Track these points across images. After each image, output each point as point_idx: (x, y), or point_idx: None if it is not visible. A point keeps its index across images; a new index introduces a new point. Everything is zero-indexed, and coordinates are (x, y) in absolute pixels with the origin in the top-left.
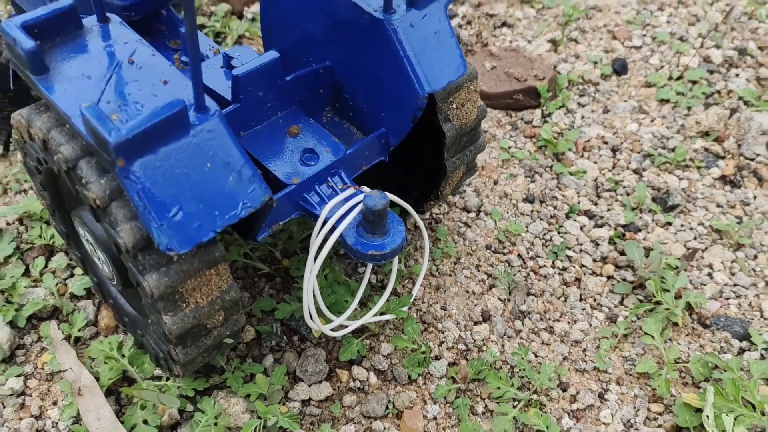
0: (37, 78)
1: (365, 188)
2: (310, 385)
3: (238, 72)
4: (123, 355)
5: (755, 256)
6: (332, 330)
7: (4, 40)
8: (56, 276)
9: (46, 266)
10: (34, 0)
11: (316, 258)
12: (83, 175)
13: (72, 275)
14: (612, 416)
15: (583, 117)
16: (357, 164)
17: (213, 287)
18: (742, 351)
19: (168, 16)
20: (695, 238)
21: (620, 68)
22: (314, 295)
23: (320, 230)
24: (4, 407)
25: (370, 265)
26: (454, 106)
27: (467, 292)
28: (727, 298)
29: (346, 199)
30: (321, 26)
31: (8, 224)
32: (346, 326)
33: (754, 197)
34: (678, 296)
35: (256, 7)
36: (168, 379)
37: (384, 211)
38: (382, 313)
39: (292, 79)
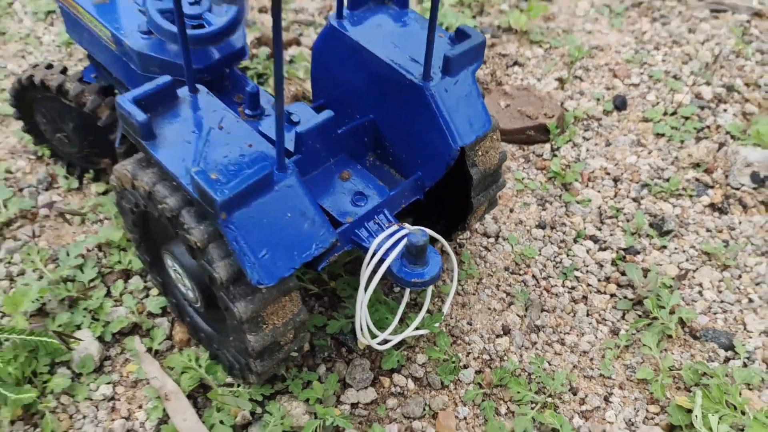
0: (147, 143)
1: (407, 225)
2: (357, 391)
3: (301, 130)
4: (200, 366)
5: (740, 276)
6: (378, 344)
7: (119, 111)
8: (134, 296)
9: (125, 288)
10: (106, 52)
11: (367, 285)
12: (185, 222)
13: (147, 296)
14: (616, 416)
15: (587, 150)
16: (398, 203)
17: (287, 311)
18: (727, 360)
19: (231, 74)
20: (687, 260)
21: (620, 104)
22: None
23: (369, 261)
24: (98, 410)
25: (408, 289)
26: (480, 153)
27: (489, 308)
28: (715, 313)
29: (391, 234)
30: (365, 84)
31: (88, 251)
32: (389, 340)
33: (740, 222)
34: (672, 312)
35: (293, 50)
36: (239, 386)
37: (425, 246)
38: (417, 329)
39: (342, 132)
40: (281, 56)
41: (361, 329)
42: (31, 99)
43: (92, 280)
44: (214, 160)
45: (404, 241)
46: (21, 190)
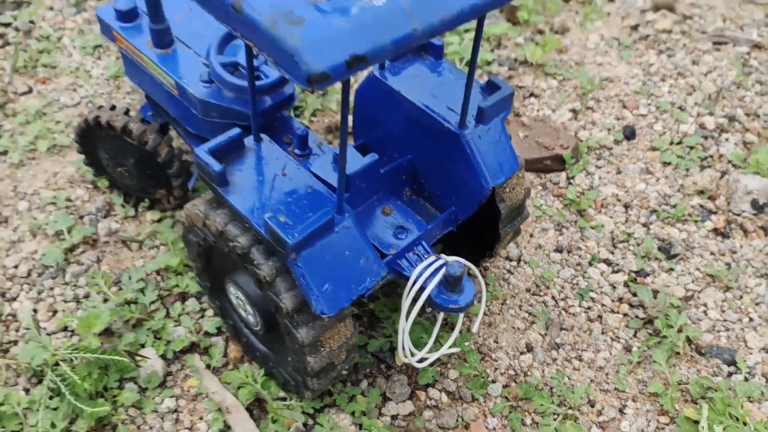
0: (221, 189)
1: (443, 256)
2: (397, 404)
3: (350, 172)
4: (255, 381)
5: (741, 297)
6: (416, 362)
7: (196, 161)
8: (191, 317)
9: (182, 309)
10: (167, 96)
11: (409, 311)
12: (255, 258)
13: (203, 316)
14: (630, 426)
15: (600, 178)
16: (434, 235)
17: (341, 335)
18: (730, 374)
19: (281, 116)
20: (693, 282)
21: (630, 134)
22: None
23: (410, 289)
24: (164, 421)
25: (442, 313)
26: (507, 190)
27: (513, 328)
28: (719, 332)
29: (430, 264)
30: (403, 128)
31: (147, 275)
32: (426, 358)
33: (741, 246)
34: (680, 330)
35: None
36: (292, 399)
37: (461, 276)
38: (450, 347)
39: (384, 171)
40: (345, 137)
41: (403, 349)
42: (96, 137)
43: (153, 302)
44: (281, 204)
45: (442, 271)
46: (81, 217)
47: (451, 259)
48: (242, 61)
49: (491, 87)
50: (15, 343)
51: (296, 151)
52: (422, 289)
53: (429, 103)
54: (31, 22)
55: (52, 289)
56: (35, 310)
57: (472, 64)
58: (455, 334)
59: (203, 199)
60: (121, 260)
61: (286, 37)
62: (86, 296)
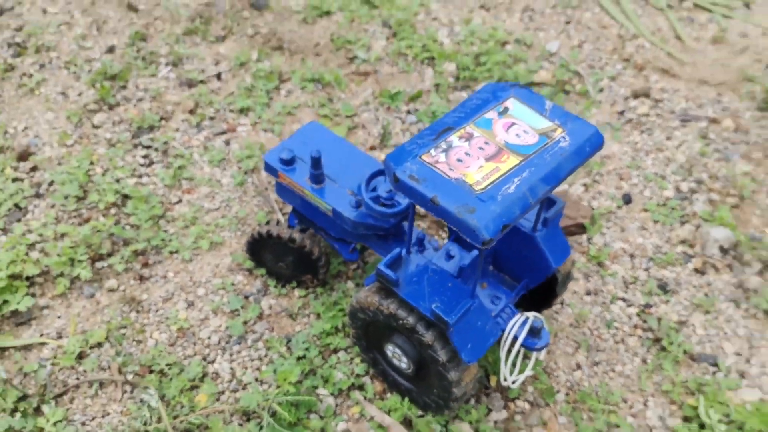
0: (396, 288)
1: (527, 313)
2: (497, 412)
3: (463, 264)
4: (403, 406)
5: (717, 317)
6: (512, 383)
7: (378, 272)
8: (344, 365)
9: (337, 360)
10: (320, 214)
11: (507, 354)
12: (419, 330)
13: (351, 363)
14: (652, 415)
15: (610, 236)
16: (515, 298)
17: (472, 373)
18: (714, 373)
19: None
20: (683, 309)
21: (627, 200)
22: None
23: (507, 338)
24: None
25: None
26: (562, 266)
27: (565, 353)
28: (704, 343)
29: (518, 320)
30: None
31: (312, 336)
32: (516, 380)
33: (714, 281)
34: (678, 345)
35: None
36: (428, 416)
37: (542, 326)
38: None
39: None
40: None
41: (505, 378)
42: (263, 244)
43: (316, 356)
44: (435, 295)
45: (529, 323)
46: (246, 297)
47: (531, 314)
48: (382, 195)
49: (549, 202)
50: (222, 393)
51: (416, 248)
52: (515, 337)
53: None
54: (165, 143)
55: (239, 352)
56: (232, 369)
57: None
58: (532, 362)
59: (371, 291)
60: (283, 327)
61: (468, 220)
62: (266, 356)
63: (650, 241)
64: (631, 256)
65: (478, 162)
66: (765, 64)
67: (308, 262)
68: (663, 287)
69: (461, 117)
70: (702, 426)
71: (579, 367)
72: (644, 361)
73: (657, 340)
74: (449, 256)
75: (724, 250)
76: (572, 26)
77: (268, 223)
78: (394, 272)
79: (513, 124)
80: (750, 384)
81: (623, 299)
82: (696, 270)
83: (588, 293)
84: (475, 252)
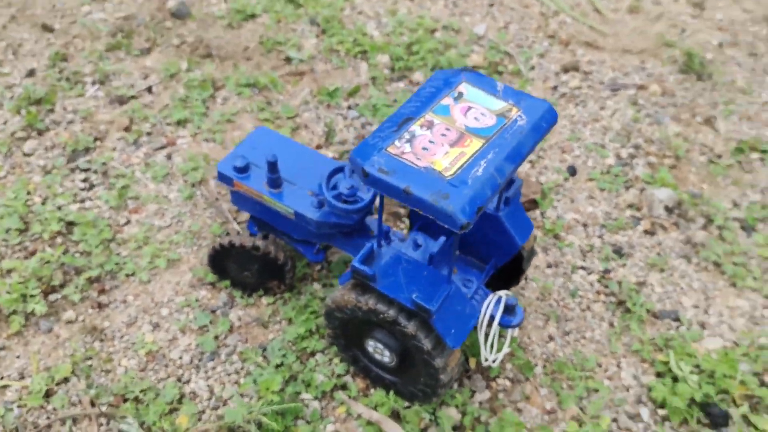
0: (373, 283)
1: (500, 292)
2: (480, 393)
3: (433, 252)
4: (389, 399)
5: (672, 274)
6: (492, 362)
7: (352, 267)
8: (323, 366)
9: (316, 363)
10: (281, 218)
11: (486, 334)
12: (401, 321)
13: (330, 364)
14: (627, 375)
15: (561, 208)
16: (485, 279)
17: (456, 357)
18: (677, 327)
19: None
20: (640, 270)
21: (572, 172)
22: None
23: (483, 318)
24: None
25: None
26: (526, 243)
27: (536, 326)
28: (664, 300)
29: (491, 300)
30: None
31: (287, 342)
32: (496, 359)
33: (663, 240)
34: (641, 305)
35: None
36: (415, 406)
37: (516, 304)
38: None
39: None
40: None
41: (485, 358)
42: (226, 256)
43: (293, 362)
44: (413, 285)
45: (503, 302)
46: (213, 311)
47: (503, 293)
48: (344, 192)
49: (509, 181)
50: (203, 412)
51: (383, 241)
52: (491, 317)
53: None
54: (104, 164)
55: (214, 368)
56: (209, 386)
57: None
58: (508, 339)
59: (347, 289)
60: (256, 337)
61: (444, 207)
62: (242, 368)
63: (600, 209)
64: (584, 225)
65: (443, 149)
66: (680, 28)
67: (274, 268)
68: (618, 252)
69: (418, 106)
70: (675, 379)
71: (551, 338)
72: (611, 324)
73: (620, 303)
74: (416, 245)
75: (669, 210)
76: (495, 9)
77: (228, 233)
78: (369, 267)
79: (470, 108)
80: (711, 333)
81: (582, 267)
82: (646, 231)
83: (549, 266)
84: (443, 239)
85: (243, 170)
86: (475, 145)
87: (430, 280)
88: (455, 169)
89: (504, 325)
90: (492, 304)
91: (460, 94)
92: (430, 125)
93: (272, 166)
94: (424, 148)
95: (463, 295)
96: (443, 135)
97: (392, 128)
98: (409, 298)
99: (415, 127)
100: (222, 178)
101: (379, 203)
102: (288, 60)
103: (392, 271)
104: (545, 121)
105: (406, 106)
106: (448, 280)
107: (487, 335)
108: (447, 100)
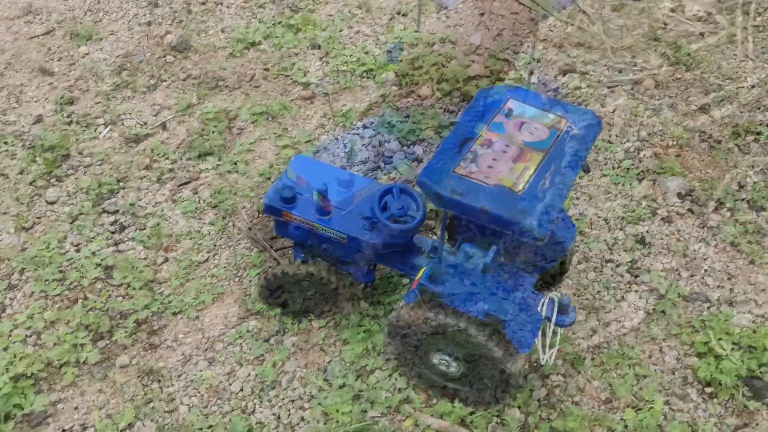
0: (443, 299)
1: (554, 294)
2: (538, 390)
3: (485, 262)
4: (455, 407)
5: (694, 258)
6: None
7: (421, 287)
8: (385, 382)
9: (377, 379)
10: (333, 243)
11: (543, 336)
12: (472, 332)
13: (390, 378)
14: (671, 358)
15: (582, 206)
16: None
17: (522, 360)
18: (709, 308)
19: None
20: (664, 257)
21: (586, 170)
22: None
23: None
24: None
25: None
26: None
27: (578, 321)
28: (692, 284)
29: (545, 301)
30: None
31: (346, 362)
32: (552, 355)
33: (682, 226)
34: (672, 290)
35: None
36: (479, 412)
37: (569, 304)
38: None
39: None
40: None
41: (544, 355)
42: (278, 285)
43: (355, 381)
44: (481, 296)
45: (556, 302)
46: (267, 340)
47: (555, 294)
48: (395, 212)
49: None
50: None
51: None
52: (548, 318)
53: None
54: (131, 204)
55: (277, 396)
56: (275, 414)
57: None
58: (558, 336)
59: (413, 307)
60: (313, 361)
61: (522, 222)
62: (305, 393)
63: (617, 203)
64: (605, 220)
65: (508, 165)
66: (662, 22)
67: (327, 291)
68: (641, 242)
69: (472, 126)
70: (717, 357)
71: (594, 331)
72: (648, 312)
73: (652, 290)
74: (468, 257)
75: (681, 197)
76: (486, 17)
77: (278, 263)
78: (435, 284)
79: (523, 123)
80: (740, 310)
81: (611, 261)
82: (663, 219)
83: (579, 262)
84: (494, 249)
85: (290, 201)
86: (536, 158)
87: (494, 289)
88: (523, 184)
89: (560, 325)
90: (546, 305)
91: (510, 111)
92: (489, 144)
93: (323, 195)
94: (490, 167)
95: (525, 300)
96: (504, 152)
97: (454, 150)
98: (482, 310)
99: (476, 146)
100: (269, 210)
101: (442, 222)
102: (305, 86)
103: (457, 286)
104: (593, 129)
105: (460, 127)
106: (513, 288)
107: (545, 335)
108: (499, 118)
